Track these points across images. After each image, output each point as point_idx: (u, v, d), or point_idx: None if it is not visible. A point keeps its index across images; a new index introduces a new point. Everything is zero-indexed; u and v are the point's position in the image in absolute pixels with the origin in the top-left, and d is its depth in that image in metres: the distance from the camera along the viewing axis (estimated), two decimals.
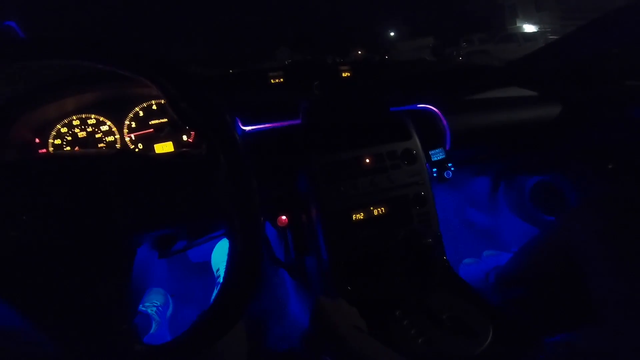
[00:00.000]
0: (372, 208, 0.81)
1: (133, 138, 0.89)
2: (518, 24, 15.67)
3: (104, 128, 0.87)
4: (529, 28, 14.62)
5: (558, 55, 1.17)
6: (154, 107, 0.90)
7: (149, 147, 0.90)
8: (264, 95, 1.03)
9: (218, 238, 0.98)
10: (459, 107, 1.03)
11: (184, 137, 0.92)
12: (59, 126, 0.85)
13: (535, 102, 1.13)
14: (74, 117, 0.86)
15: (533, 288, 0.91)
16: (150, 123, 0.90)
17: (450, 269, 0.85)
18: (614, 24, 1.04)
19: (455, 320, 0.67)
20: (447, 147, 0.95)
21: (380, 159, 0.84)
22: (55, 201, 0.44)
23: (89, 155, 0.51)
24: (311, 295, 0.97)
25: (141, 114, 0.89)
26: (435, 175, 0.90)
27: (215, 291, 1.09)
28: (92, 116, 0.87)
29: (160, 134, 0.90)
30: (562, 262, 0.80)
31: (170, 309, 1.20)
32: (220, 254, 1.18)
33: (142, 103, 0.89)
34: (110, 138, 0.88)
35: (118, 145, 0.88)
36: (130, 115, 0.88)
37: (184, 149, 0.89)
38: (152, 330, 1.06)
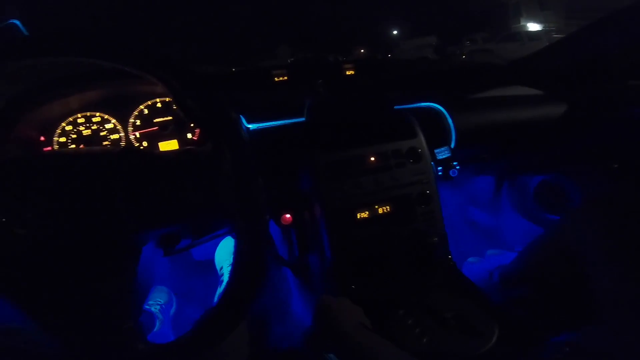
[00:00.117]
0: (376, 207, 0.81)
1: (138, 136, 0.89)
2: (522, 23, 15.60)
3: (109, 126, 0.88)
4: (533, 27, 14.56)
5: (562, 55, 1.17)
6: (159, 105, 0.90)
7: (153, 145, 0.90)
8: (268, 93, 1.03)
9: (222, 236, 0.98)
10: (464, 106, 1.03)
11: (189, 135, 0.92)
12: (63, 124, 0.85)
13: (540, 101, 1.12)
14: (79, 115, 0.86)
15: (537, 287, 0.91)
16: (155, 121, 0.90)
17: (455, 268, 0.84)
18: (619, 24, 1.04)
19: (459, 320, 0.67)
20: (452, 146, 0.95)
21: (385, 158, 0.83)
22: (61, 199, 0.44)
23: (94, 153, 0.51)
24: (314, 294, 0.97)
25: (146, 112, 0.89)
26: (440, 173, 0.90)
27: (219, 289, 1.09)
28: (97, 114, 0.87)
29: (165, 132, 0.90)
30: (567, 261, 0.79)
31: (174, 307, 1.20)
32: (223, 252, 1.18)
33: (146, 101, 0.89)
34: (115, 136, 0.88)
35: (123, 143, 0.88)
36: (135, 113, 0.89)
37: (189, 147, 0.89)
38: (155, 329, 1.06)
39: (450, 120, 0.95)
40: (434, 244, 0.78)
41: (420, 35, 15.77)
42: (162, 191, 0.48)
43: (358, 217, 0.80)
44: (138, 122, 0.89)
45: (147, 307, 1.09)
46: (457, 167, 0.91)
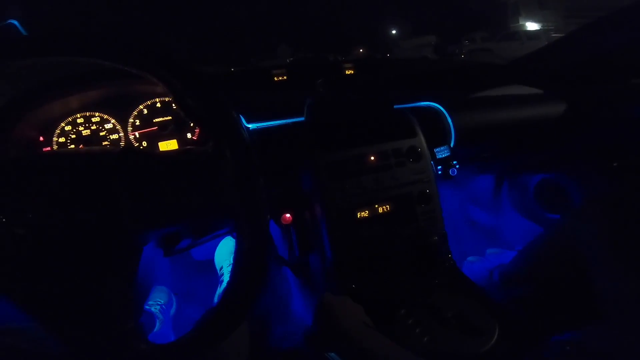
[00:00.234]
0: (376, 206, 0.81)
1: (137, 136, 0.89)
2: (521, 22, 15.63)
3: (108, 126, 0.87)
4: (532, 26, 14.59)
5: (563, 54, 1.17)
6: (158, 104, 0.90)
7: (153, 145, 0.90)
8: (268, 93, 1.03)
9: (222, 236, 0.98)
10: (464, 105, 1.03)
11: (188, 135, 0.92)
12: (63, 124, 0.85)
13: (540, 100, 1.12)
14: (78, 115, 0.86)
15: (537, 286, 0.91)
16: (154, 121, 0.90)
17: (455, 267, 0.84)
18: (620, 23, 1.04)
19: (460, 319, 0.67)
20: (452, 145, 0.95)
21: (385, 157, 0.83)
22: (61, 199, 0.44)
23: (93, 153, 0.51)
24: (314, 293, 0.97)
25: (145, 111, 0.89)
26: (440, 172, 0.90)
27: (219, 289, 1.09)
28: (96, 114, 0.87)
29: (165, 132, 0.90)
30: (567, 260, 0.80)
31: (174, 307, 1.20)
32: (223, 252, 1.18)
33: (146, 101, 0.89)
34: (115, 136, 0.88)
35: (122, 143, 0.88)
36: (135, 113, 0.88)
37: (189, 147, 0.89)
38: (155, 329, 1.06)
39: (449, 120, 0.95)
40: (434, 243, 0.78)
41: (419, 35, 15.78)
42: (162, 191, 0.48)
43: (358, 216, 0.80)
44: (137, 122, 0.89)
45: (147, 307, 1.08)
46: (457, 166, 0.91)
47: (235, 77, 1.16)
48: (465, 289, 0.78)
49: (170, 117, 0.90)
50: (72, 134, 0.85)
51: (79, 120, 0.86)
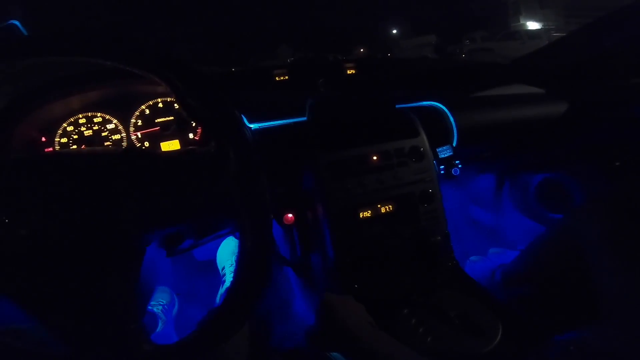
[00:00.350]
0: (379, 206, 0.81)
1: (139, 136, 0.89)
2: (521, 21, 15.60)
3: (110, 126, 0.87)
4: (533, 25, 14.57)
5: (565, 53, 1.17)
6: (160, 105, 0.90)
7: (155, 145, 0.90)
8: (269, 93, 1.03)
9: (225, 236, 0.98)
10: (466, 104, 1.02)
11: (190, 135, 0.92)
12: (65, 125, 0.85)
13: (541, 99, 1.12)
14: (80, 116, 0.86)
15: (540, 286, 0.91)
16: (156, 121, 0.90)
17: (458, 266, 0.84)
18: (619, 22, 1.03)
19: (463, 318, 0.67)
20: (454, 144, 0.95)
21: (387, 156, 0.83)
22: (63, 200, 0.44)
23: (95, 154, 0.51)
24: (316, 293, 0.97)
25: (147, 112, 0.89)
26: (442, 172, 0.90)
27: (221, 290, 1.09)
28: (99, 114, 0.87)
29: (167, 132, 0.90)
30: (569, 260, 0.79)
31: (176, 307, 1.20)
32: (225, 252, 1.18)
33: (148, 101, 0.89)
34: (117, 136, 0.88)
35: (124, 144, 0.88)
36: (137, 113, 0.89)
37: (191, 147, 0.89)
38: (158, 329, 1.06)
39: (452, 119, 0.95)
40: (436, 242, 0.78)
41: (419, 34, 15.76)
42: (165, 191, 0.48)
43: (361, 216, 0.80)
44: (139, 122, 0.89)
45: (150, 307, 1.08)
46: (459, 166, 0.91)
47: (236, 77, 1.16)
48: (468, 289, 0.78)
49: (172, 118, 0.90)
50: (74, 135, 0.85)
51: (81, 121, 0.86)
